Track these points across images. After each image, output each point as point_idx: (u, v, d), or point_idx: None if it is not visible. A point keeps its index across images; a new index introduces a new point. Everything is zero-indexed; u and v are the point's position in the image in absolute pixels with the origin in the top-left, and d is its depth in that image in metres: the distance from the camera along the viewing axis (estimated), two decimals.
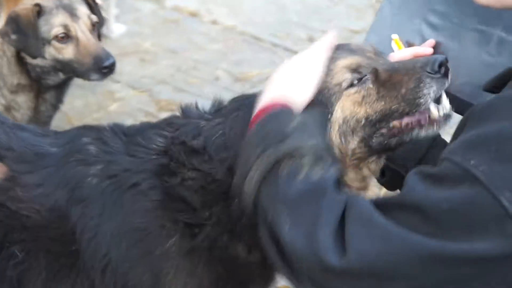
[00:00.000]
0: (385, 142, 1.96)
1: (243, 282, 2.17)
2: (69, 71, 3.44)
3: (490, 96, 1.71)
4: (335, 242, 1.59)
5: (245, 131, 1.90)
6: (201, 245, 2.07)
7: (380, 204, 1.64)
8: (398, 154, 2.14)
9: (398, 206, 1.60)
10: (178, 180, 2.07)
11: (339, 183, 1.72)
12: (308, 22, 6.31)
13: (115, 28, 5.89)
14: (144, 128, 2.22)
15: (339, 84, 1.95)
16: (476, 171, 1.51)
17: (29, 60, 3.43)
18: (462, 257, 1.50)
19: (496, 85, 1.84)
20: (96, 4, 3.58)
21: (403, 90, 1.92)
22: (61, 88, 3.60)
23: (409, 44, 2.41)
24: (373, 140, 1.96)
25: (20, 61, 3.46)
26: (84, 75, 3.44)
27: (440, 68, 1.91)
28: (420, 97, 1.90)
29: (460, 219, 1.51)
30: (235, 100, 2.16)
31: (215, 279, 2.12)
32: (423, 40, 2.49)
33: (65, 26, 3.37)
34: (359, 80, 1.95)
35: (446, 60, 1.93)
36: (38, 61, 3.41)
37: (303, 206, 1.65)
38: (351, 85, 1.95)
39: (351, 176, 2.04)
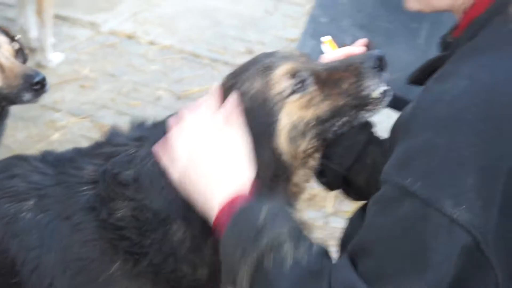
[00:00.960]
0: (339, 131, 1.99)
1: None
2: (1, 99, 3.37)
3: (418, 89, 1.74)
4: None
5: None
6: (146, 269, 2.04)
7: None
8: (335, 152, 2.16)
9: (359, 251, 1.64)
10: (110, 211, 2.05)
11: (325, 254, 1.72)
12: (245, 35, 6.35)
13: (53, 57, 5.85)
14: (76, 157, 2.20)
15: (280, 93, 1.96)
16: (414, 188, 1.54)
17: None
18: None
19: (420, 78, 1.87)
20: (15, 40, 3.53)
21: (345, 85, 1.95)
22: None
23: (342, 45, 2.43)
24: (328, 133, 1.99)
25: None
26: (17, 99, 3.33)
27: (380, 62, 1.95)
28: (363, 90, 1.94)
29: (411, 239, 1.55)
30: (160, 124, 2.14)
31: None
32: (355, 40, 2.52)
33: None
34: (301, 85, 1.97)
35: (383, 55, 1.97)
36: None
37: None
38: (293, 91, 1.96)
39: (301, 175, 2.05)
